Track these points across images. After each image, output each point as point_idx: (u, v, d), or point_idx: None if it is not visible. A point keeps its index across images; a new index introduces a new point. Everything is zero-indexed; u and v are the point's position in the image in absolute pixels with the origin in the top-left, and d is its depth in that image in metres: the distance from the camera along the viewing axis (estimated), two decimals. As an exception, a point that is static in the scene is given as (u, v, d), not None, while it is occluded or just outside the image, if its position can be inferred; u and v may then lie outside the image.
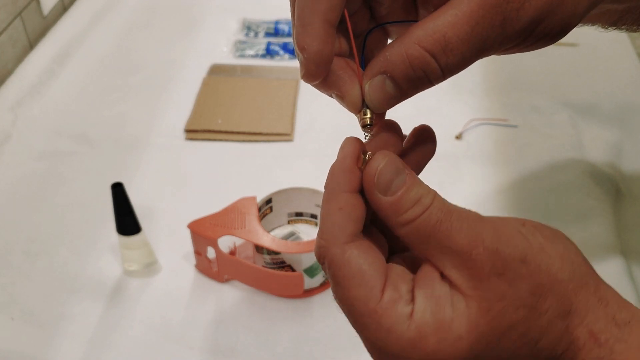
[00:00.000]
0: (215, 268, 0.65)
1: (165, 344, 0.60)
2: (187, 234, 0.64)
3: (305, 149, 0.83)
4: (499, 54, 0.29)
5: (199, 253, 0.65)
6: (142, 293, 0.65)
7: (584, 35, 1.06)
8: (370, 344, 0.27)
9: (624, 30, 0.38)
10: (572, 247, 0.28)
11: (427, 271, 0.27)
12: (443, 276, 0.27)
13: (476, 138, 0.85)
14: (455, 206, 0.28)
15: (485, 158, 0.81)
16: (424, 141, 0.30)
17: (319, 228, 0.28)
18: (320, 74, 0.28)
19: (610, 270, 0.66)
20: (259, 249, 0.63)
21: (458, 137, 0.85)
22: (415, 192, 0.27)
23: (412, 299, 0.27)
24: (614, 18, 0.37)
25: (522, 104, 0.91)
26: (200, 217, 0.63)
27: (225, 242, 0.64)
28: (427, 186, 0.28)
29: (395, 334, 0.26)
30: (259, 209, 0.65)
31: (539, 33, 0.27)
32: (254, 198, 0.64)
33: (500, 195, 0.76)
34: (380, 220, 0.29)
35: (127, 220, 0.61)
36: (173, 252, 0.68)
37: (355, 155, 0.28)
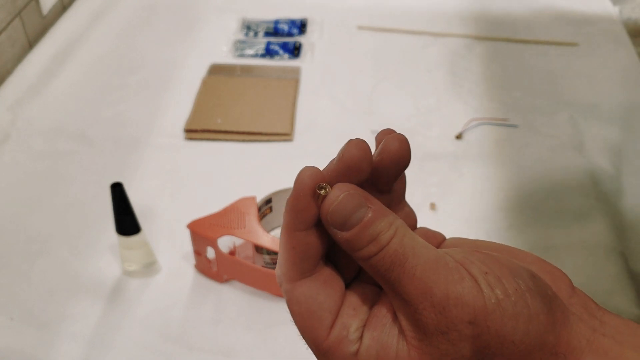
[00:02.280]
0: (215, 268, 0.65)
1: (165, 344, 0.60)
2: (186, 234, 0.64)
3: (305, 149, 0.83)
4: None
5: (199, 253, 0.65)
6: (142, 293, 0.65)
7: (584, 35, 1.06)
8: None
9: None
10: (537, 297, 0.26)
11: (380, 310, 0.28)
12: (396, 318, 0.27)
13: (476, 138, 0.85)
14: (414, 246, 0.26)
15: (485, 158, 0.81)
16: (394, 154, 0.28)
17: (278, 259, 0.29)
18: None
19: (610, 270, 0.66)
20: (258, 249, 0.63)
21: (458, 137, 0.85)
22: (374, 228, 0.26)
23: (360, 338, 0.27)
24: None
25: (522, 104, 0.91)
26: (200, 217, 0.63)
27: (225, 242, 0.64)
28: (391, 219, 0.27)
29: None
30: (259, 209, 0.65)
31: None
32: (253, 198, 0.64)
33: (500, 195, 0.76)
34: None
35: (126, 220, 0.61)
36: (173, 252, 0.68)
37: (309, 191, 0.27)
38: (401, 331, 0.26)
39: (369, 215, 0.26)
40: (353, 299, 0.28)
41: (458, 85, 0.94)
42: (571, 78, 0.96)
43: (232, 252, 0.65)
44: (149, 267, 0.66)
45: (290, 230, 0.27)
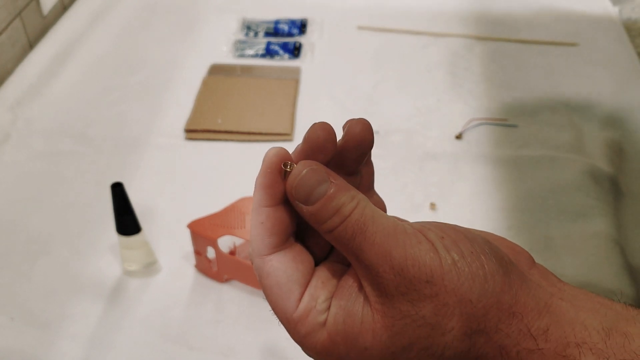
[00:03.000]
0: (215, 268, 0.65)
1: (165, 344, 0.60)
2: (187, 234, 0.64)
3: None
4: None
5: (199, 253, 0.65)
6: (142, 293, 0.65)
7: (584, 35, 1.06)
8: (297, 344, 0.30)
9: None
10: (493, 259, 0.27)
11: (347, 280, 0.29)
12: (361, 286, 0.28)
13: (476, 138, 0.85)
14: (374, 215, 0.28)
15: (485, 158, 0.81)
16: (357, 135, 0.29)
17: (250, 234, 0.30)
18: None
19: (610, 270, 0.66)
20: (259, 249, 0.63)
21: (458, 136, 0.85)
22: (336, 201, 0.27)
23: (328, 308, 0.28)
24: None
25: (522, 104, 0.91)
26: (200, 217, 0.63)
27: (225, 242, 0.64)
28: (353, 193, 0.28)
29: (310, 340, 0.28)
30: (259, 209, 0.65)
31: None
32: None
33: (499, 195, 0.76)
34: None
35: (127, 220, 0.61)
36: (173, 252, 0.68)
37: (276, 168, 0.29)
38: (366, 298, 0.28)
39: (332, 189, 0.28)
40: (322, 274, 0.30)
41: (458, 85, 0.95)
42: (571, 78, 0.96)
43: (233, 252, 0.65)
44: (149, 267, 0.66)
45: (259, 206, 0.29)
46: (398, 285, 0.26)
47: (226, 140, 0.84)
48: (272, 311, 0.30)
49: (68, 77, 0.95)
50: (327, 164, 0.29)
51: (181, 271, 0.67)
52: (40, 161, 0.81)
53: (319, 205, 0.27)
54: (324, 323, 0.28)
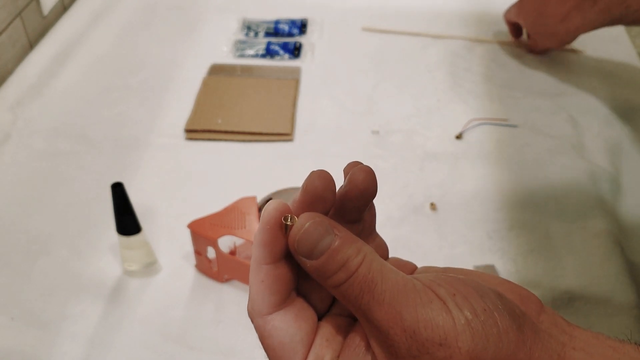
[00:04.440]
0: (215, 268, 0.65)
1: (165, 344, 0.60)
2: (187, 234, 0.64)
3: (305, 149, 0.83)
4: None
5: (199, 253, 0.65)
6: (142, 293, 0.65)
7: (584, 35, 1.06)
8: None
9: None
10: (506, 314, 0.26)
11: (354, 339, 0.28)
12: (369, 345, 0.27)
13: (476, 138, 0.85)
14: (382, 270, 0.26)
15: (485, 158, 0.81)
16: (360, 184, 0.28)
17: (249, 291, 0.29)
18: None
19: (611, 270, 0.66)
20: (259, 249, 0.63)
21: (458, 137, 0.85)
22: (342, 255, 0.26)
23: None
24: None
25: (522, 104, 0.91)
26: (200, 217, 0.63)
27: (225, 242, 0.64)
28: (359, 245, 0.27)
29: None
30: (259, 209, 0.65)
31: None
32: (254, 198, 0.64)
33: (500, 195, 0.76)
34: None
35: (127, 220, 0.61)
36: (173, 252, 0.68)
37: (275, 223, 0.28)
38: (374, 358, 0.26)
39: (337, 242, 0.26)
40: (326, 331, 0.29)
41: (458, 85, 0.94)
42: (571, 78, 0.96)
43: (233, 252, 0.65)
44: (150, 267, 0.66)
45: (259, 263, 0.28)
46: (409, 347, 0.25)
47: (226, 140, 0.84)
48: None
49: (68, 77, 0.95)
50: (328, 213, 0.28)
51: (181, 271, 0.67)
52: (40, 161, 0.81)
53: (323, 260, 0.26)
54: None
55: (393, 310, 0.25)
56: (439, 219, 0.72)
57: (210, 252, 0.64)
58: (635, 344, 0.27)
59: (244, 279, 0.65)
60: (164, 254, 0.68)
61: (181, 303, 0.64)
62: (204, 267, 0.66)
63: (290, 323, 0.28)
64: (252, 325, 0.58)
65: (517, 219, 0.73)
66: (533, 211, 0.74)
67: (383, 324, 0.25)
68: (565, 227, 0.71)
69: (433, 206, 0.73)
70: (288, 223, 0.27)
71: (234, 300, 0.64)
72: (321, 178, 0.28)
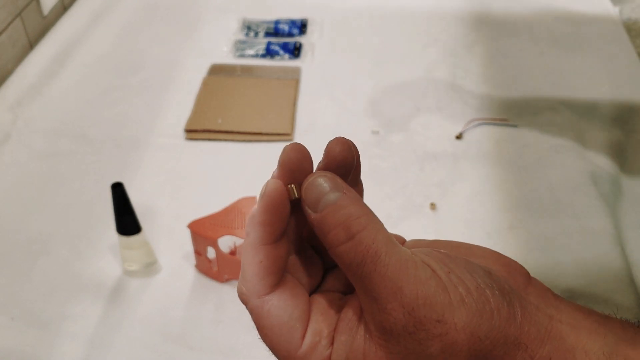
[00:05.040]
0: (215, 268, 0.65)
1: (165, 344, 0.60)
2: (187, 234, 0.64)
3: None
4: None
5: (199, 253, 0.65)
6: (142, 293, 0.65)
7: (584, 35, 1.06)
8: None
9: None
10: (497, 292, 0.26)
11: (347, 313, 0.28)
12: (362, 318, 0.27)
13: (476, 138, 0.85)
14: (387, 243, 0.26)
15: (485, 158, 0.81)
16: (337, 155, 0.28)
17: (241, 275, 0.28)
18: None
19: (611, 270, 0.66)
20: (259, 249, 0.63)
21: (458, 137, 0.85)
22: (344, 212, 0.26)
23: (332, 343, 0.27)
24: None
25: (522, 104, 0.91)
26: (200, 217, 0.63)
27: (225, 242, 0.64)
28: (367, 210, 0.27)
29: None
30: (259, 209, 0.65)
31: None
32: (254, 198, 0.64)
33: (500, 194, 0.76)
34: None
35: (127, 220, 0.61)
36: (173, 252, 0.68)
37: (276, 203, 0.28)
38: (368, 331, 0.26)
39: (342, 199, 0.26)
40: (320, 306, 0.29)
41: (458, 85, 0.94)
42: (571, 78, 0.96)
43: (233, 252, 0.65)
44: (150, 267, 0.66)
45: (258, 244, 0.28)
46: (406, 324, 0.25)
47: (226, 140, 0.84)
48: (270, 351, 0.29)
49: (68, 77, 0.95)
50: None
51: (181, 271, 0.67)
52: (40, 161, 0.81)
53: (325, 213, 0.26)
54: (329, 358, 0.27)
55: (394, 285, 0.25)
56: (439, 219, 0.72)
57: (210, 252, 0.64)
58: (621, 319, 0.27)
59: (244, 279, 0.65)
60: (164, 254, 0.68)
61: (181, 303, 0.64)
62: (204, 267, 0.66)
63: (287, 301, 0.28)
64: (252, 325, 0.58)
65: (517, 218, 0.73)
66: (533, 211, 0.74)
67: (382, 298, 0.25)
68: (565, 227, 0.71)
69: (433, 206, 0.73)
70: (294, 187, 0.28)
71: (234, 300, 0.64)
72: (295, 150, 0.28)
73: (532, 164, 0.80)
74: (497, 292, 0.26)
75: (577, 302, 0.29)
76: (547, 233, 0.71)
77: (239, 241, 0.66)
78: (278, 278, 0.28)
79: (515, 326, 0.26)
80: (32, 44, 1.00)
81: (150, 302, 0.64)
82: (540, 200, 0.75)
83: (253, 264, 0.28)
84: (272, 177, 0.28)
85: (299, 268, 0.30)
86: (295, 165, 0.28)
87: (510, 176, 0.79)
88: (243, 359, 0.59)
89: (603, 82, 0.95)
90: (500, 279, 0.27)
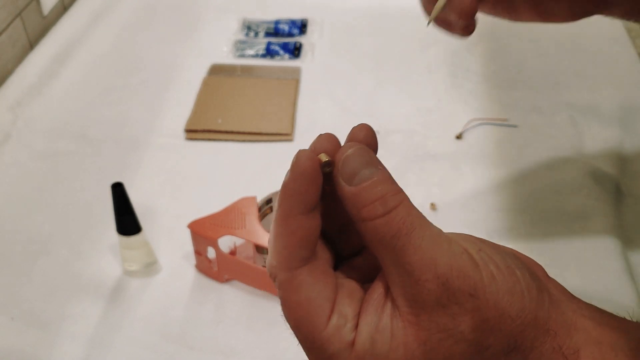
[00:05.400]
0: (216, 268, 0.65)
1: (165, 344, 0.60)
2: (187, 234, 0.64)
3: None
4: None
5: (199, 253, 0.65)
6: (142, 293, 0.65)
7: (584, 35, 1.06)
8: None
9: None
10: (528, 276, 0.26)
11: (372, 294, 0.27)
12: (389, 295, 0.27)
13: (476, 138, 0.85)
14: (421, 218, 0.27)
15: (486, 158, 0.81)
16: (361, 141, 0.28)
17: (270, 249, 0.28)
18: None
19: (611, 271, 0.66)
20: (259, 249, 0.63)
21: (458, 137, 0.85)
22: (382, 188, 0.26)
23: (357, 325, 0.26)
24: None
25: (522, 104, 0.91)
26: (200, 217, 0.63)
27: (226, 242, 0.64)
28: (399, 189, 0.27)
29: None
30: (259, 209, 0.65)
31: None
32: (254, 198, 0.64)
33: (500, 195, 0.76)
34: (336, 220, 0.28)
35: (127, 220, 0.61)
36: (173, 252, 0.68)
37: (309, 170, 0.27)
38: (395, 309, 0.26)
39: (379, 174, 0.26)
40: (345, 289, 0.28)
41: (458, 85, 0.94)
42: (571, 78, 0.96)
43: (233, 252, 0.65)
44: (150, 267, 0.66)
45: (290, 215, 0.27)
46: (440, 296, 0.25)
47: (226, 140, 0.84)
48: (293, 330, 0.28)
49: (68, 77, 0.95)
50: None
51: (181, 271, 0.67)
52: (40, 161, 0.81)
53: (363, 187, 0.26)
54: (353, 342, 0.26)
55: (429, 256, 0.25)
56: (439, 219, 0.72)
57: (210, 252, 0.64)
58: (636, 321, 0.27)
59: (244, 279, 0.65)
60: (164, 254, 0.68)
61: (181, 303, 0.64)
62: (204, 267, 0.66)
63: (318, 277, 0.27)
64: (252, 325, 0.57)
65: (517, 218, 0.73)
66: (533, 211, 0.74)
67: (416, 269, 0.25)
68: (565, 227, 0.71)
69: (433, 206, 0.73)
70: (326, 160, 0.27)
71: (234, 300, 0.64)
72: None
73: (532, 164, 0.80)
74: (527, 274, 0.26)
75: None
76: (547, 233, 0.71)
77: (239, 241, 0.66)
78: (310, 252, 0.27)
79: (544, 311, 0.26)
80: (32, 44, 1.00)
81: (150, 302, 0.64)
82: (540, 201, 0.75)
83: (285, 234, 0.27)
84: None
85: (326, 239, 0.29)
86: (324, 138, 0.28)
87: (511, 176, 0.79)
88: (243, 359, 0.59)
89: (603, 82, 0.95)
90: (527, 264, 0.27)
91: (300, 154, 0.27)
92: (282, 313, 0.28)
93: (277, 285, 0.28)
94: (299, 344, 0.28)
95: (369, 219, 0.26)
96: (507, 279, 0.25)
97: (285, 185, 0.27)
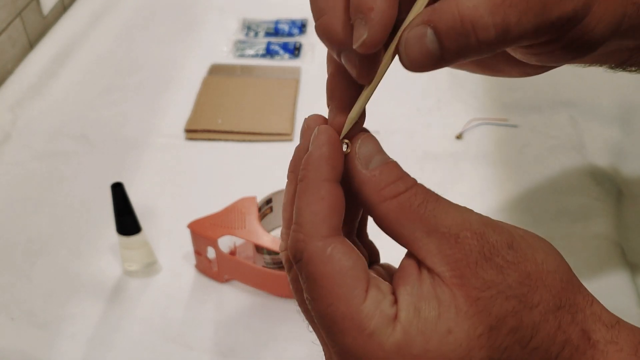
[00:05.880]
0: (215, 268, 0.65)
1: (165, 344, 0.60)
2: (187, 234, 0.64)
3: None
4: (523, 56, 0.28)
5: (199, 253, 0.65)
6: (142, 293, 0.65)
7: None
8: (344, 353, 0.24)
9: (634, 71, 0.36)
10: (550, 245, 0.27)
11: (405, 268, 0.26)
12: (423, 267, 0.25)
13: (476, 138, 0.85)
14: (437, 194, 0.27)
15: (486, 158, 0.81)
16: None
17: (295, 222, 0.26)
18: (381, 44, 0.25)
19: (611, 271, 0.66)
20: (259, 249, 0.63)
21: (458, 137, 0.85)
22: (397, 171, 0.26)
23: (396, 300, 0.24)
24: (624, 57, 0.35)
25: (522, 104, 0.91)
26: (200, 217, 0.63)
27: (225, 242, 0.64)
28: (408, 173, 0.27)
29: (377, 339, 0.23)
30: (259, 209, 0.65)
31: (568, 39, 0.26)
32: (254, 198, 0.64)
33: (500, 195, 0.76)
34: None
35: (127, 220, 0.61)
36: (173, 252, 0.68)
37: (335, 141, 0.27)
38: (435, 277, 0.24)
39: (392, 160, 0.27)
40: (374, 270, 0.27)
41: (458, 85, 0.94)
42: (571, 78, 0.96)
43: (233, 252, 0.65)
44: (150, 267, 0.66)
45: (317, 181, 0.25)
46: (482, 249, 0.24)
47: (226, 140, 0.84)
48: (321, 313, 0.24)
49: (68, 77, 0.95)
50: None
51: (181, 271, 0.67)
52: (40, 161, 0.81)
53: (381, 168, 0.26)
54: (395, 316, 0.24)
55: (461, 215, 0.25)
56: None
57: (210, 252, 0.64)
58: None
59: (244, 279, 0.65)
60: (164, 254, 0.68)
61: (181, 303, 0.64)
62: (204, 267, 0.66)
63: (352, 249, 0.25)
64: (252, 326, 0.57)
65: (517, 219, 0.73)
66: (533, 211, 0.74)
67: (452, 228, 0.25)
68: (566, 227, 0.71)
69: (433, 206, 0.73)
70: (346, 141, 0.28)
71: (234, 300, 0.64)
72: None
73: (533, 164, 0.80)
74: (549, 243, 0.27)
75: None
76: (547, 233, 0.70)
77: (239, 241, 0.66)
78: (340, 221, 0.26)
79: (576, 277, 0.26)
80: (32, 44, 1.00)
81: (150, 302, 0.64)
82: (540, 201, 0.75)
83: (313, 202, 0.25)
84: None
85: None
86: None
87: (511, 176, 0.79)
88: (243, 359, 0.59)
89: (603, 82, 0.95)
90: None
91: (321, 126, 0.28)
92: (298, 307, 0.26)
93: (304, 262, 0.25)
94: (327, 332, 0.24)
95: (393, 197, 0.25)
96: (536, 239, 0.26)
97: (310, 154, 0.26)
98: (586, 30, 0.25)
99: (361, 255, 0.25)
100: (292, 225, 0.26)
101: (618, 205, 0.74)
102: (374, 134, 0.30)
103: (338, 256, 0.24)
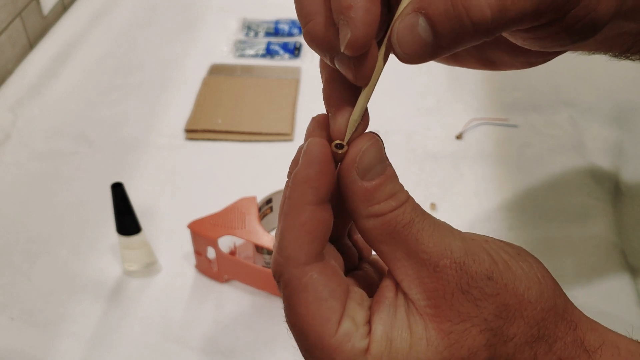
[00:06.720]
0: (215, 268, 0.65)
1: (165, 344, 0.60)
2: (187, 234, 0.64)
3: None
4: (524, 41, 0.27)
5: (199, 253, 0.65)
6: (142, 293, 0.65)
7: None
8: None
9: (637, 60, 0.35)
10: (539, 264, 0.25)
11: (383, 291, 0.25)
12: (399, 291, 0.25)
13: (476, 138, 0.85)
14: (425, 211, 0.26)
15: (486, 158, 0.81)
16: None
17: (277, 243, 0.25)
18: (368, 43, 0.24)
19: (611, 270, 0.66)
20: (259, 249, 0.63)
21: (458, 137, 0.85)
22: (392, 186, 0.25)
23: (369, 332, 0.24)
24: (628, 43, 0.34)
25: (522, 104, 0.91)
26: (200, 217, 0.63)
27: (225, 242, 0.64)
28: (402, 185, 0.26)
29: None
30: (259, 209, 0.65)
31: (570, 19, 0.24)
32: (254, 198, 0.64)
33: (500, 195, 0.76)
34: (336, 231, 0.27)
35: (127, 220, 0.61)
36: (173, 252, 0.68)
37: (325, 157, 0.25)
38: (410, 305, 0.24)
39: (388, 170, 0.26)
40: (357, 293, 0.26)
41: (458, 85, 0.94)
42: (571, 78, 0.96)
43: (233, 252, 0.65)
44: (150, 267, 0.66)
45: (301, 204, 0.24)
46: (459, 281, 0.23)
47: (226, 140, 0.84)
48: (297, 336, 0.25)
49: (68, 77, 0.95)
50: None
51: (181, 271, 0.67)
52: (41, 161, 0.81)
53: (376, 183, 0.25)
54: (367, 349, 0.24)
55: (443, 242, 0.24)
56: (439, 218, 0.72)
57: (210, 252, 0.64)
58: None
59: (244, 279, 0.65)
60: (164, 254, 0.68)
61: (181, 303, 0.64)
62: (204, 267, 0.66)
63: (330, 277, 0.24)
64: (251, 326, 0.57)
65: (517, 219, 0.73)
66: (533, 211, 0.74)
67: (432, 255, 0.24)
68: (565, 227, 0.71)
69: (433, 206, 0.73)
70: (340, 151, 0.26)
71: (234, 300, 0.64)
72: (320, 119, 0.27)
73: (533, 164, 0.80)
74: (539, 262, 0.25)
75: (577, 303, 0.28)
76: (547, 233, 0.71)
77: (239, 241, 0.66)
78: (321, 247, 0.25)
79: (561, 299, 0.25)
80: (32, 44, 1.00)
81: (150, 302, 0.64)
82: (540, 200, 0.75)
83: (294, 227, 0.24)
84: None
85: (332, 247, 0.28)
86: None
87: (510, 176, 0.79)
88: (243, 359, 0.59)
89: (603, 82, 0.95)
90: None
91: (311, 141, 0.26)
92: (285, 318, 0.26)
93: (282, 284, 0.25)
94: (302, 354, 0.26)
95: (381, 214, 0.25)
96: (520, 265, 0.24)
97: (296, 173, 0.25)
98: (588, 9, 0.24)
99: (340, 279, 0.25)
100: (275, 244, 0.26)
101: (618, 205, 0.74)
102: None
103: (314, 286, 0.24)
